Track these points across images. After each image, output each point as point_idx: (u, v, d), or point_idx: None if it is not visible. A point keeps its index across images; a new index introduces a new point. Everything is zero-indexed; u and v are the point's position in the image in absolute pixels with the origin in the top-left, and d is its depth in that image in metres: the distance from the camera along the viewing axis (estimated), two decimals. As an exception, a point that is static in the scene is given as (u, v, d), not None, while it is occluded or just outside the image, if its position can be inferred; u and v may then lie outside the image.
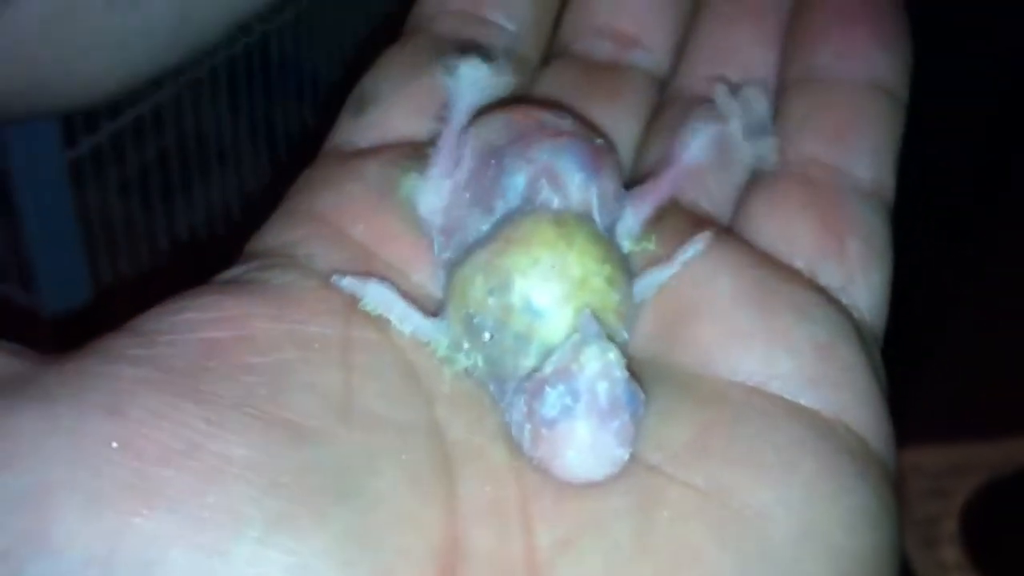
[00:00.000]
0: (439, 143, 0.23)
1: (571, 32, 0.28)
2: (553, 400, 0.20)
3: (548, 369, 0.20)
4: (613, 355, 0.20)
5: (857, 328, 0.23)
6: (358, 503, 0.19)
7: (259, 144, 0.70)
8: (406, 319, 0.22)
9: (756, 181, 0.25)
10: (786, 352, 0.22)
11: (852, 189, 0.24)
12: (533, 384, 0.20)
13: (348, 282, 0.22)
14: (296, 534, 0.18)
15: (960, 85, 0.73)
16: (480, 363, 0.21)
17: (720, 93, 0.23)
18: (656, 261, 0.23)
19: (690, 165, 0.24)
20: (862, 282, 0.24)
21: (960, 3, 0.71)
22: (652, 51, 0.28)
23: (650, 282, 0.23)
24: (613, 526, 0.20)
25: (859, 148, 0.25)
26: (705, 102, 0.25)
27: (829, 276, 0.23)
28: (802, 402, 0.21)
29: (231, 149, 0.69)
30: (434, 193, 0.23)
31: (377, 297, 0.22)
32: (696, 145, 0.24)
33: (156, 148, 0.66)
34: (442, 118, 0.23)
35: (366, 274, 0.22)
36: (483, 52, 0.24)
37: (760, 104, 0.22)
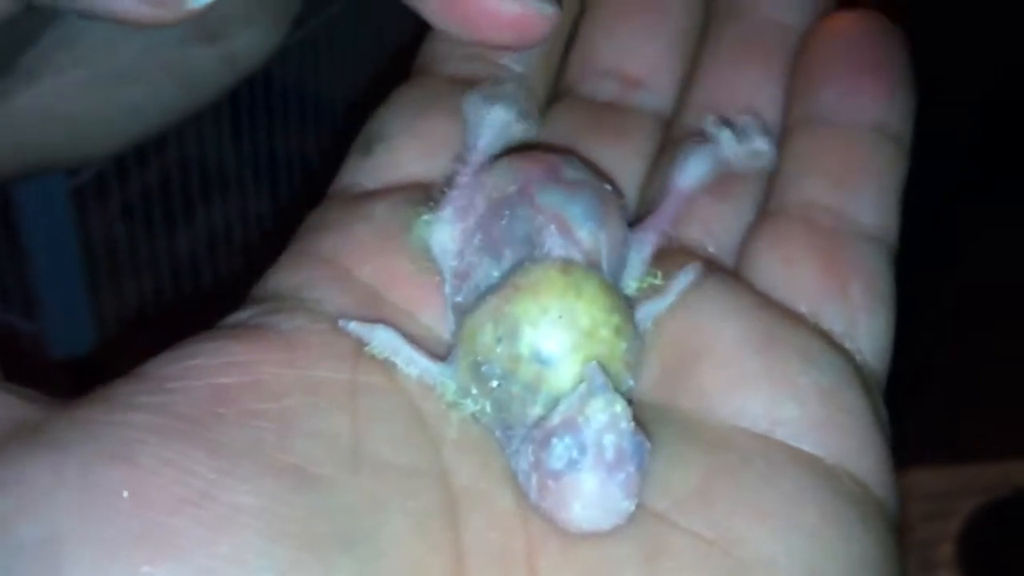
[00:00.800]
0: (455, 182, 0.23)
1: (577, 73, 0.28)
2: (560, 452, 0.20)
3: (555, 420, 0.20)
4: (619, 407, 0.20)
5: (860, 373, 0.23)
6: (365, 551, 0.19)
7: (261, 169, 0.70)
8: (413, 363, 0.22)
9: (759, 223, 0.25)
10: (791, 398, 0.22)
11: (855, 233, 0.24)
12: (540, 434, 0.20)
13: (355, 327, 0.22)
14: None
15: (959, 87, 0.74)
16: (488, 409, 0.21)
17: (711, 122, 0.23)
18: (652, 294, 0.23)
19: (686, 191, 0.24)
20: (865, 326, 0.24)
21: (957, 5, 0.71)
22: (657, 92, 0.28)
23: (646, 314, 0.23)
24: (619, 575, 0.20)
25: (863, 192, 0.25)
26: (698, 133, 0.25)
27: (832, 320, 0.23)
28: (805, 448, 0.21)
29: (233, 174, 0.70)
30: (447, 233, 0.23)
31: (384, 341, 0.22)
32: (689, 171, 0.24)
33: (159, 173, 0.67)
34: (459, 157, 0.23)
35: (373, 318, 0.22)
36: (508, 96, 0.24)
37: (751, 128, 0.22)
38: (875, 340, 0.24)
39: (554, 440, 0.20)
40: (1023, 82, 0.75)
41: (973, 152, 0.76)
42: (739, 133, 0.23)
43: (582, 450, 0.20)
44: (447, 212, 0.23)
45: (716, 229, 0.25)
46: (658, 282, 0.23)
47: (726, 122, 0.24)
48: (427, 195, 0.24)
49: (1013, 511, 0.59)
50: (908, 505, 0.61)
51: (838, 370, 0.22)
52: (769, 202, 0.25)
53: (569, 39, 0.28)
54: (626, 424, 0.20)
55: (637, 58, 0.28)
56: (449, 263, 0.23)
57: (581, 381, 0.21)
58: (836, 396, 0.22)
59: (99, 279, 0.63)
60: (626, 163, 0.26)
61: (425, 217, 0.23)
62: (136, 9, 0.20)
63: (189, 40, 0.31)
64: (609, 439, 0.20)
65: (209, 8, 0.20)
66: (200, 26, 0.21)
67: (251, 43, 0.31)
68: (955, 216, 0.73)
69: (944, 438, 0.62)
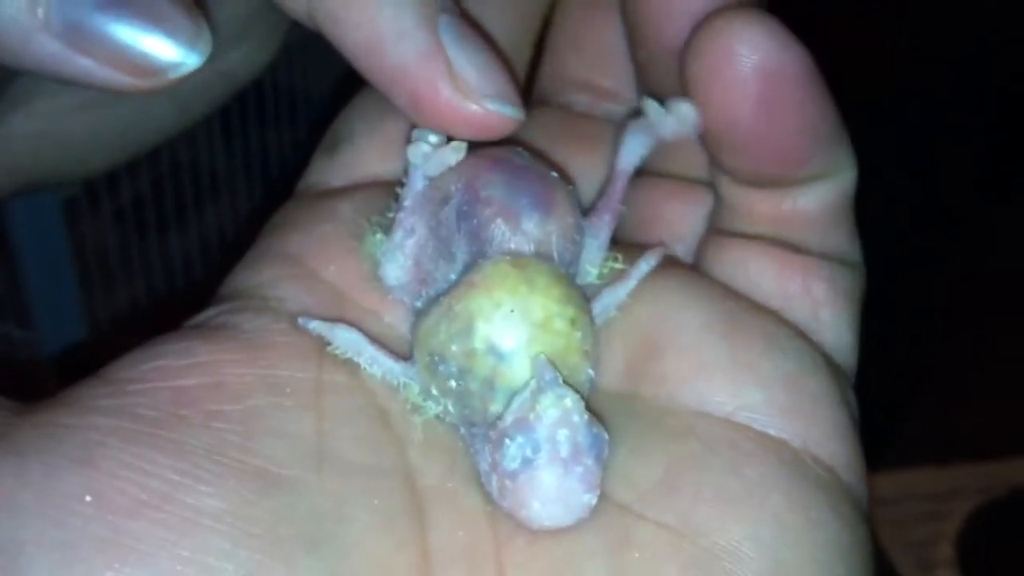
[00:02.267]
0: (400, 207, 0.23)
1: (549, 84, 0.28)
2: (513, 452, 0.20)
3: (507, 420, 0.20)
4: (570, 400, 0.20)
5: (826, 360, 0.23)
6: (330, 551, 0.19)
7: (253, 172, 0.70)
8: (376, 363, 0.22)
9: (716, 234, 0.25)
10: (754, 383, 0.22)
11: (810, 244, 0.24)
12: (495, 435, 0.20)
13: (316, 325, 0.22)
14: None
15: (960, 92, 0.74)
16: (451, 409, 0.21)
17: (648, 104, 0.23)
18: (613, 279, 0.23)
19: (628, 169, 0.24)
20: (829, 321, 0.23)
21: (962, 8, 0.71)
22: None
23: (609, 302, 0.23)
24: (586, 569, 0.20)
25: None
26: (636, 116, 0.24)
27: (795, 314, 0.23)
28: (771, 433, 0.21)
29: (225, 177, 0.70)
30: (399, 257, 0.23)
31: (346, 341, 0.22)
32: (627, 149, 0.24)
33: (150, 178, 0.67)
34: (403, 183, 0.23)
35: (335, 318, 0.22)
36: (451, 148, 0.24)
37: (687, 110, 0.22)
38: (839, 336, 0.24)
39: (507, 441, 0.20)
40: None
41: (975, 151, 0.76)
42: (665, 103, 0.23)
43: (536, 448, 0.20)
44: (397, 236, 0.23)
45: (680, 231, 0.25)
46: (619, 266, 0.23)
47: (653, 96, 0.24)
48: (388, 198, 0.24)
49: (1011, 511, 0.59)
50: (906, 505, 0.61)
51: (803, 355, 0.22)
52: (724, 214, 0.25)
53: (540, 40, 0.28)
54: (579, 417, 0.20)
55: (608, 71, 0.28)
56: (404, 279, 0.23)
57: (531, 377, 0.21)
58: (801, 381, 0.22)
59: (92, 286, 0.63)
60: (596, 170, 0.26)
61: (378, 237, 0.23)
62: (116, 79, 0.20)
63: None
64: (563, 434, 0.20)
65: (183, 79, 0.21)
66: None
67: (245, 58, 0.31)
68: (957, 215, 0.73)
69: (942, 438, 0.62)
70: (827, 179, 0.23)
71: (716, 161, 0.24)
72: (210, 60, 0.31)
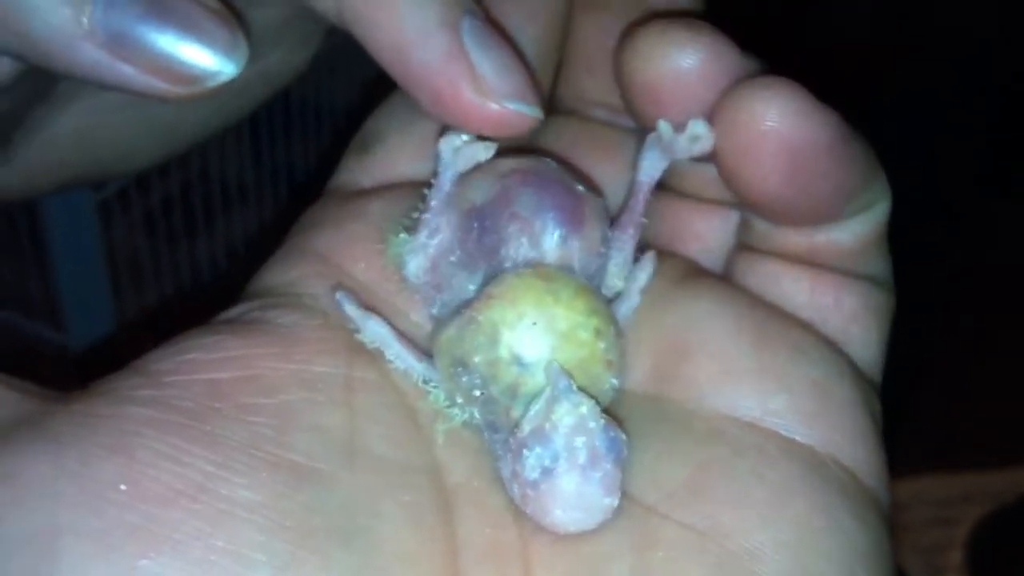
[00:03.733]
0: (426, 207, 0.23)
1: (568, 98, 0.28)
2: (532, 463, 0.20)
3: (524, 430, 0.20)
4: (585, 408, 0.20)
5: (853, 368, 0.23)
6: (361, 544, 0.19)
7: (279, 180, 0.71)
8: (400, 359, 0.22)
9: (746, 249, 0.25)
10: (782, 389, 0.22)
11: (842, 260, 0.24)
12: (514, 445, 0.20)
13: (351, 309, 0.22)
14: None
15: (961, 93, 0.74)
16: (476, 416, 0.22)
17: (661, 125, 0.23)
18: (619, 295, 0.23)
19: (647, 183, 0.24)
20: (858, 336, 0.24)
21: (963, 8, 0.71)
22: None
23: (619, 315, 0.23)
24: (610, 568, 0.20)
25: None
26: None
27: (824, 327, 0.23)
28: (797, 438, 0.22)
29: (253, 184, 0.71)
30: (421, 255, 0.23)
31: (375, 333, 0.22)
32: (644, 165, 0.24)
33: (180, 185, 0.68)
34: (431, 183, 0.23)
35: (369, 308, 0.22)
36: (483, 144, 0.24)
37: (703, 131, 0.22)
38: (868, 351, 0.24)
39: (524, 452, 0.20)
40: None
41: (976, 147, 0.76)
42: (677, 124, 0.23)
43: (554, 458, 0.20)
44: (422, 236, 0.23)
45: (709, 244, 0.25)
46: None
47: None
48: (417, 199, 0.24)
49: (1020, 517, 0.60)
50: (916, 511, 0.61)
51: (830, 363, 0.23)
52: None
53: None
54: (595, 423, 0.20)
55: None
56: (425, 281, 0.23)
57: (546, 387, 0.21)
58: (828, 388, 0.22)
59: (123, 289, 0.64)
60: (617, 176, 0.26)
61: (402, 236, 0.23)
62: (156, 86, 0.21)
63: None
64: (580, 441, 0.20)
65: (222, 87, 0.21)
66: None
67: (284, 59, 0.32)
68: (974, 214, 0.73)
69: (952, 446, 0.62)
70: (862, 213, 0.23)
71: (746, 209, 0.24)
72: (251, 61, 0.32)
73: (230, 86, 0.32)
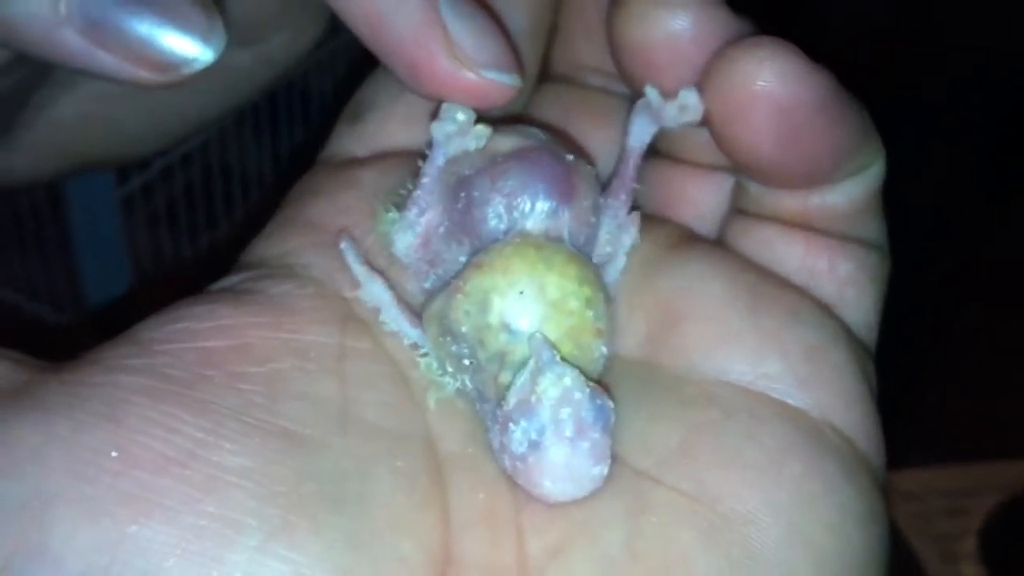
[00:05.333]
0: (417, 184, 0.23)
1: (562, 65, 0.28)
2: (519, 436, 0.20)
3: (510, 403, 0.20)
4: (570, 378, 0.20)
5: (848, 333, 0.23)
6: (354, 510, 0.19)
7: (295, 173, 0.71)
8: (396, 323, 0.22)
9: (740, 214, 0.24)
10: (776, 352, 0.22)
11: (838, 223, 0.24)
12: (501, 418, 0.20)
13: (356, 265, 0.22)
14: (293, 543, 0.18)
15: (964, 94, 0.74)
16: (468, 384, 0.22)
17: (649, 92, 0.23)
18: (605, 260, 0.23)
19: (638, 149, 0.24)
20: (854, 301, 0.23)
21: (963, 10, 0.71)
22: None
23: (608, 280, 0.23)
24: (603, 533, 0.20)
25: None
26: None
27: (819, 291, 0.23)
28: (790, 402, 0.21)
29: (271, 176, 0.71)
30: (409, 233, 0.23)
31: (375, 293, 0.22)
32: (634, 132, 0.23)
33: (201, 176, 0.68)
34: (424, 157, 0.23)
35: (372, 269, 0.22)
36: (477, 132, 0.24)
37: (692, 99, 0.22)
38: (863, 315, 0.23)
39: (511, 425, 0.20)
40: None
41: (987, 147, 0.76)
42: (667, 90, 0.23)
43: (540, 431, 0.20)
44: (412, 213, 0.23)
45: (702, 209, 0.25)
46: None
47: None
48: (410, 169, 0.24)
49: (1034, 507, 0.60)
50: (930, 501, 0.61)
51: (824, 327, 0.22)
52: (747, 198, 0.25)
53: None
54: (580, 393, 0.20)
55: None
56: (414, 257, 0.23)
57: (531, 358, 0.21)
58: (822, 352, 0.22)
59: (144, 278, 0.65)
60: (612, 143, 0.26)
61: (392, 215, 0.23)
62: (134, 73, 0.21)
63: None
64: (566, 412, 0.20)
65: (201, 73, 0.21)
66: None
67: (285, 44, 0.32)
68: (979, 213, 0.73)
69: (966, 436, 0.62)
70: (856, 175, 0.23)
71: (740, 172, 0.24)
72: (252, 45, 0.31)
73: (233, 71, 0.32)
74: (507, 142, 0.23)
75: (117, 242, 0.63)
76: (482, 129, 0.23)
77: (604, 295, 0.22)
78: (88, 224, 0.62)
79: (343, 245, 0.22)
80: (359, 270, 0.22)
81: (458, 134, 0.22)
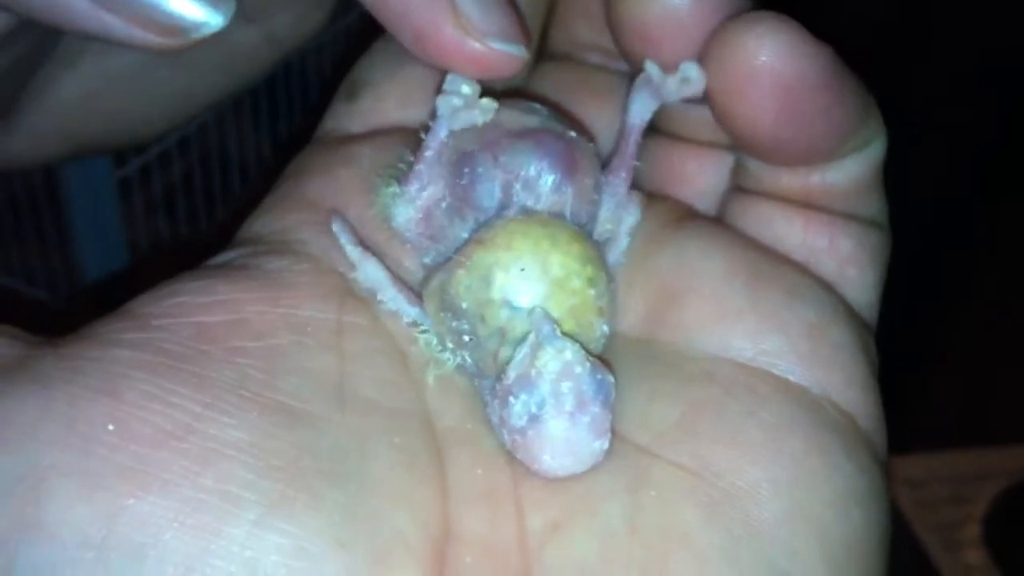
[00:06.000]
0: (418, 158, 0.23)
1: (561, 43, 0.28)
2: (519, 410, 0.20)
3: (510, 376, 0.20)
4: (570, 352, 0.20)
5: (848, 311, 0.23)
6: (353, 484, 0.19)
7: (293, 158, 0.71)
8: (394, 302, 0.22)
9: (740, 192, 0.24)
10: (776, 329, 0.22)
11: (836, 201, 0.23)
12: (500, 392, 0.20)
13: (350, 248, 0.22)
14: (292, 517, 0.18)
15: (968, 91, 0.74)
16: (468, 360, 0.22)
17: (649, 67, 0.23)
18: (609, 239, 0.23)
19: (639, 125, 0.24)
20: (855, 278, 0.23)
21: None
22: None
23: (611, 259, 0.23)
24: (602, 508, 0.20)
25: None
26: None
27: (820, 270, 0.23)
28: (791, 379, 0.21)
29: (270, 161, 0.71)
30: (410, 207, 0.23)
31: (371, 274, 0.22)
32: (634, 108, 0.23)
33: (200, 162, 0.68)
34: (426, 129, 0.23)
35: (366, 249, 0.22)
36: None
37: (695, 73, 0.22)
38: (864, 293, 0.23)
39: (511, 399, 0.20)
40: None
41: (994, 142, 0.76)
42: (667, 65, 0.22)
43: (540, 404, 0.20)
44: (412, 188, 0.23)
45: (701, 187, 0.25)
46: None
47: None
48: (406, 145, 0.24)
49: (1039, 493, 0.59)
50: (934, 487, 0.61)
51: (825, 305, 0.22)
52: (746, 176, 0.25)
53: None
54: (581, 367, 0.20)
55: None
56: (414, 231, 0.23)
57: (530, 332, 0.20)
58: (823, 329, 0.22)
59: (141, 264, 0.65)
60: (611, 121, 0.26)
61: (392, 189, 0.23)
62: (141, 36, 0.21)
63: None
64: (566, 386, 0.20)
65: (212, 36, 0.21)
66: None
67: (291, 22, 0.31)
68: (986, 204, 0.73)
69: (969, 423, 0.62)
70: (857, 152, 0.23)
71: (740, 149, 0.24)
72: (258, 22, 0.32)
73: (238, 50, 0.32)
74: (509, 117, 0.23)
75: (115, 227, 0.63)
76: (488, 103, 0.22)
77: (606, 274, 0.22)
78: (86, 209, 0.62)
79: (335, 227, 0.22)
80: (353, 251, 0.22)
81: (463, 108, 0.22)
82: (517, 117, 0.23)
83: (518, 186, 0.22)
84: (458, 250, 0.22)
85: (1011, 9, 0.70)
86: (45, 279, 0.67)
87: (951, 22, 0.75)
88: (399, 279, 0.22)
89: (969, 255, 0.69)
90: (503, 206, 0.22)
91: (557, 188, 0.22)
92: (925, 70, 0.73)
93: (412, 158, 0.23)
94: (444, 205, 0.23)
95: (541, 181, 0.22)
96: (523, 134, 0.23)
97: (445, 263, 0.22)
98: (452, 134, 0.23)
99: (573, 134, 0.23)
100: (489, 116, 0.23)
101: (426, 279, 0.22)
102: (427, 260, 0.23)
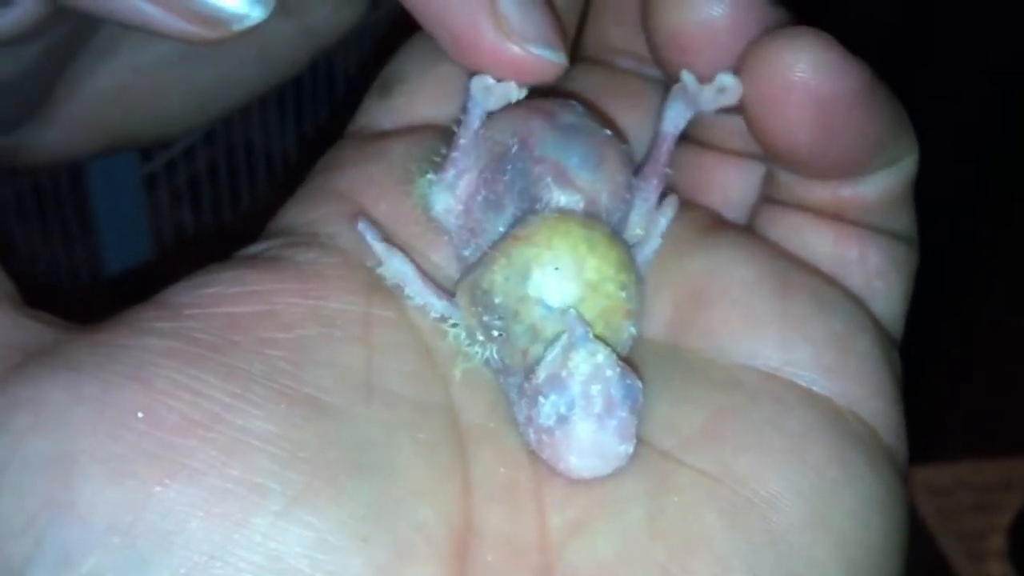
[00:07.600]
0: (454, 145, 0.23)
1: (593, 48, 0.28)
2: (548, 410, 0.20)
3: (540, 376, 0.20)
4: (602, 355, 0.20)
5: (874, 323, 0.23)
6: (376, 477, 0.19)
7: (319, 153, 0.71)
8: (420, 296, 0.22)
9: (770, 202, 0.25)
10: (802, 339, 0.22)
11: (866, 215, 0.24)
12: (529, 391, 0.21)
13: (375, 242, 0.22)
14: (316, 509, 0.18)
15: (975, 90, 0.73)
16: (495, 355, 0.22)
17: (685, 76, 0.23)
18: (640, 238, 0.23)
19: (672, 133, 0.24)
20: (883, 292, 0.23)
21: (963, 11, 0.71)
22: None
23: (640, 260, 0.23)
24: (624, 510, 0.20)
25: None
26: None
27: (848, 282, 0.23)
28: (815, 389, 0.21)
29: (295, 155, 0.71)
30: (448, 195, 0.23)
31: (397, 268, 0.22)
32: (669, 115, 0.24)
33: (226, 154, 0.68)
34: (460, 120, 0.23)
35: (392, 244, 0.22)
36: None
37: (731, 83, 0.22)
38: (891, 307, 0.23)
39: (540, 398, 0.20)
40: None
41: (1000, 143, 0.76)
42: (703, 75, 0.23)
43: (570, 405, 0.20)
44: (449, 175, 0.23)
45: (732, 196, 0.25)
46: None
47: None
48: (438, 144, 0.24)
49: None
50: (958, 497, 0.60)
51: (852, 316, 0.22)
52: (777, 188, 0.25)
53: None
54: (611, 371, 0.20)
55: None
56: (453, 221, 0.23)
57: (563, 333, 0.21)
58: (849, 341, 0.22)
59: (166, 258, 0.65)
60: (642, 126, 0.26)
61: (429, 177, 0.23)
62: (183, 28, 0.21)
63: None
64: (596, 388, 0.20)
65: (248, 32, 0.21)
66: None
67: (327, 16, 0.31)
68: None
69: (994, 432, 0.61)
70: (889, 167, 0.23)
71: (773, 161, 0.24)
72: (294, 15, 0.31)
73: (274, 43, 0.32)
74: (546, 105, 0.23)
75: (140, 221, 0.63)
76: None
77: (637, 276, 0.22)
78: (111, 203, 0.62)
79: (361, 225, 0.22)
80: (379, 247, 0.22)
81: (496, 87, 0.22)
82: (553, 111, 0.23)
83: (553, 181, 0.22)
84: (494, 244, 0.22)
85: (1017, 9, 0.70)
86: (69, 272, 0.67)
87: (957, 22, 0.74)
88: (426, 274, 0.22)
89: (993, 258, 0.69)
90: (540, 201, 0.22)
91: (590, 182, 0.22)
92: (930, 70, 0.72)
93: (446, 151, 0.23)
94: (480, 198, 0.23)
95: (577, 174, 0.22)
96: (559, 127, 0.23)
97: (481, 258, 0.22)
98: (487, 124, 0.23)
99: (607, 132, 0.23)
100: (523, 94, 0.23)
101: (463, 274, 0.23)
102: (467, 252, 0.23)
